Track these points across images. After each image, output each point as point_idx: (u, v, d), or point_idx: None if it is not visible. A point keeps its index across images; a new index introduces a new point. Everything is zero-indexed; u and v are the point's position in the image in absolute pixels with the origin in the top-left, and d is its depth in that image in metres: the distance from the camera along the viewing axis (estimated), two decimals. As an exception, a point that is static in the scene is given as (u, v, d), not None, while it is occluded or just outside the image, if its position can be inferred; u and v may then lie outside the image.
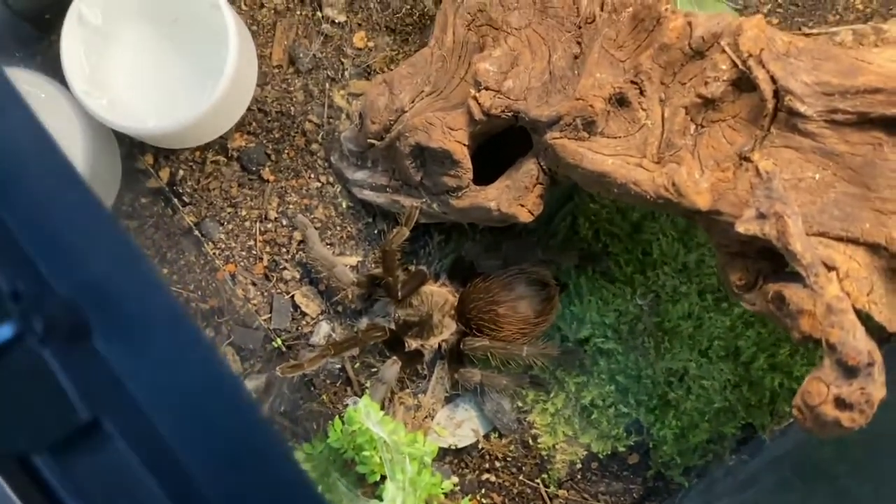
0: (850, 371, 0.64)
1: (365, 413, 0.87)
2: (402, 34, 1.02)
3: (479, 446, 1.01)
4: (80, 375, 0.45)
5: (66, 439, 0.43)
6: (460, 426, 1.01)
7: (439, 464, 1.01)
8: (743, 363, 0.96)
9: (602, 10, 0.81)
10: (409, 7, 1.02)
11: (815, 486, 0.96)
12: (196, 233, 1.02)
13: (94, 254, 0.49)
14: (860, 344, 0.64)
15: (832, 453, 0.97)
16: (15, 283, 0.45)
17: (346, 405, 0.93)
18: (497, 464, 1.02)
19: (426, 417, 1.01)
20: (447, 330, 0.99)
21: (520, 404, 1.00)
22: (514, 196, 0.85)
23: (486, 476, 1.02)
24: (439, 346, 0.99)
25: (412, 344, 0.99)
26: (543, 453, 1.01)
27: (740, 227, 0.69)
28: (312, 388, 1.01)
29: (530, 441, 1.01)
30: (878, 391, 0.65)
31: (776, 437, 0.97)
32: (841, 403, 0.64)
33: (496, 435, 1.02)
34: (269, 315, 1.01)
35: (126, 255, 0.50)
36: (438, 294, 0.98)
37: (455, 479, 1.01)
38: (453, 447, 1.01)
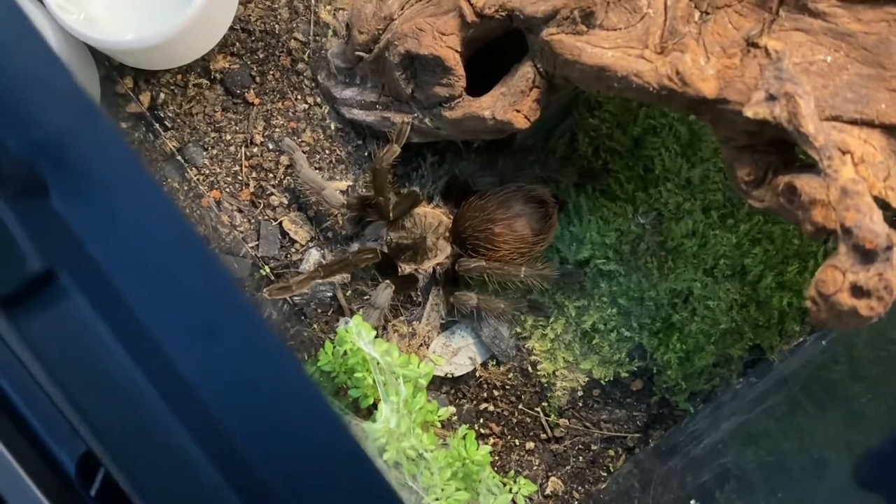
0: (867, 256, 0.60)
1: (356, 332, 0.83)
2: (391, -55, 0.98)
3: (477, 375, 0.98)
4: (34, 229, 0.41)
5: (16, 292, 0.39)
6: (457, 354, 0.97)
7: (436, 393, 0.98)
8: (750, 282, 0.93)
9: None
10: (397, -84, 0.97)
11: (826, 407, 0.92)
12: (179, 158, 0.98)
13: (52, 111, 0.45)
14: (877, 227, 0.60)
15: (845, 373, 0.93)
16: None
17: (338, 326, 0.89)
18: (496, 392, 0.98)
19: (421, 345, 0.97)
20: (442, 253, 0.95)
21: (518, 330, 0.97)
22: (510, 102, 0.81)
23: (484, 405, 0.98)
24: (434, 270, 0.95)
25: (406, 268, 0.95)
26: (543, 381, 0.97)
27: (749, 111, 0.65)
28: (303, 318, 0.98)
29: (529, 368, 0.97)
30: (898, 279, 0.61)
31: (785, 357, 0.93)
32: (858, 291, 0.60)
33: (494, 363, 0.98)
34: (257, 242, 0.98)
35: (86, 113, 0.46)
36: (432, 215, 0.94)
37: (452, 409, 0.97)
38: (450, 376, 0.97)
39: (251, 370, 0.44)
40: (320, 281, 0.94)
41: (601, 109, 0.94)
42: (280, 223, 0.98)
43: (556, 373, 0.96)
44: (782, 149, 0.70)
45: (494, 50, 0.86)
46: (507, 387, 0.98)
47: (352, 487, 0.46)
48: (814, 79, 0.67)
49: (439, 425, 0.92)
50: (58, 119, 0.45)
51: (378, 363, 0.83)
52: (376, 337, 0.89)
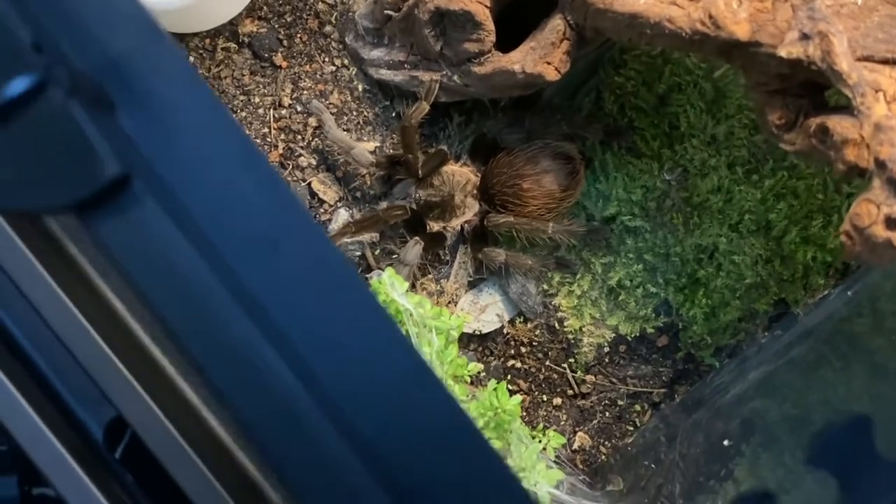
0: (901, 188, 0.61)
1: (390, 284, 0.84)
2: None
3: (505, 332, 0.99)
4: (107, 136, 0.42)
5: (94, 196, 0.41)
6: (484, 311, 0.98)
7: (464, 350, 0.99)
8: (774, 237, 0.94)
9: None
10: None
11: (850, 360, 0.94)
12: (209, 120, 0.99)
13: (116, 31, 0.47)
14: (912, 159, 0.61)
15: (868, 326, 0.94)
16: (37, 37, 0.42)
17: (370, 279, 0.91)
18: (523, 349, 0.99)
19: (450, 303, 0.98)
20: (470, 210, 0.96)
21: (545, 287, 0.98)
22: (540, 55, 0.83)
23: (511, 362, 1.00)
24: (462, 227, 0.97)
25: (434, 226, 0.96)
26: (570, 337, 0.98)
27: (783, 51, 0.66)
28: (332, 277, 0.99)
29: (556, 325, 0.98)
30: (931, 211, 0.62)
31: (810, 311, 0.95)
32: (892, 223, 0.61)
33: (521, 320, 0.99)
34: (286, 203, 0.98)
35: (151, 33, 0.47)
36: (460, 173, 0.96)
37: (480, 366, 0.98)
38: (478, 332, 0.98)
39: (321, 289, 0.45)
40: (349, 240, 0.95)
41: (626, 67, 0.95)
42: (309, 184, 0.99)
43: (583, 329, 0.98)
44: (813, 91, 0.71)
45: (523, 7, 0.87)
46: (534, 343, 0.99)
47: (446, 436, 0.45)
48: (845, 21, 0.68)
49: (468, 380, 0.94)
50: (121, 38, 0.46)
51: (411, 314, 0.84)
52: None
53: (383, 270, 0.98)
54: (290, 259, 0.46)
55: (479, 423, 0.85)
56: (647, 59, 0.95)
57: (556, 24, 0.82)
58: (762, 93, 0.73)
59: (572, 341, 0.98)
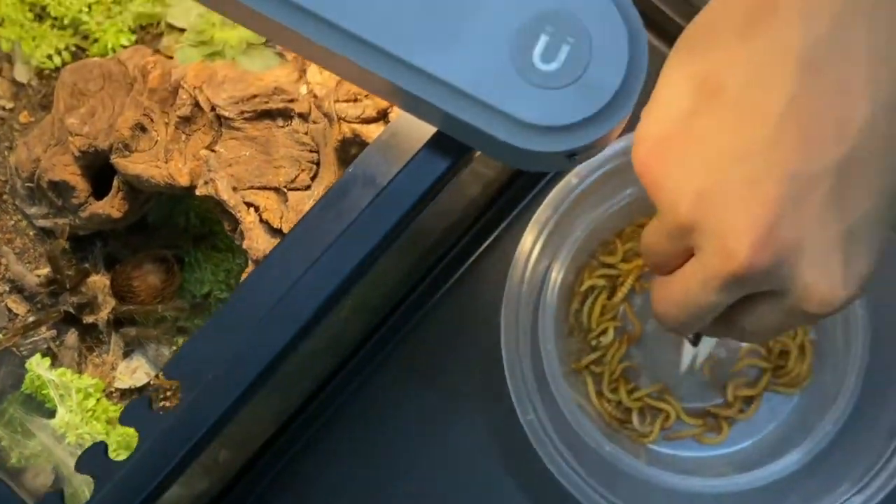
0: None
1: (36, 363, 1.28)
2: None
3: (151, 383, 1.43)
4: None
5: None
6: (135, 372, 1.42)
7: (127, 401, 1.43)
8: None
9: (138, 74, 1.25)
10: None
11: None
12: (-72, 271, 1.43)
13: None
14: (261, 245, 1.08)
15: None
16: None
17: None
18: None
19: (111, 370, 1.42)
20: (109, 305, 1.41)
21: (175, 349, 1.42)
22: (108, 201, 1.29)
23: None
24: (109, 318, 1.41)
25: (89, 319, 1.40)
26: (198, 380, 1.42)
27: (199, 191, 1.12)
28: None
29: (187, 373, 1.42)
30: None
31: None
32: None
33: (164, 374, 1.43)
34: (-11, 320, 1.42)
35: None
36: (100, 282, 1.40)
37: (141, 411, 1.41)
38: (133, 387, 1.42)
39: None
40: (38, 338, 1.40)
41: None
42: (5, 303, 1.43)
43: (205, 373, 1.42)
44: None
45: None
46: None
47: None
48: (241, 166, 1.15)
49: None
50: None
51: (55, 382, 1.28)
52: (78, 369, 1.34)
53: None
54: None
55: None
56: (213, 185, 1.41)
57: (116, 182, 1.28)
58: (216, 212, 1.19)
59: (200, 382, 1.42)
